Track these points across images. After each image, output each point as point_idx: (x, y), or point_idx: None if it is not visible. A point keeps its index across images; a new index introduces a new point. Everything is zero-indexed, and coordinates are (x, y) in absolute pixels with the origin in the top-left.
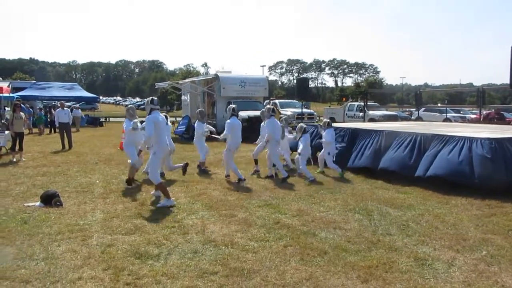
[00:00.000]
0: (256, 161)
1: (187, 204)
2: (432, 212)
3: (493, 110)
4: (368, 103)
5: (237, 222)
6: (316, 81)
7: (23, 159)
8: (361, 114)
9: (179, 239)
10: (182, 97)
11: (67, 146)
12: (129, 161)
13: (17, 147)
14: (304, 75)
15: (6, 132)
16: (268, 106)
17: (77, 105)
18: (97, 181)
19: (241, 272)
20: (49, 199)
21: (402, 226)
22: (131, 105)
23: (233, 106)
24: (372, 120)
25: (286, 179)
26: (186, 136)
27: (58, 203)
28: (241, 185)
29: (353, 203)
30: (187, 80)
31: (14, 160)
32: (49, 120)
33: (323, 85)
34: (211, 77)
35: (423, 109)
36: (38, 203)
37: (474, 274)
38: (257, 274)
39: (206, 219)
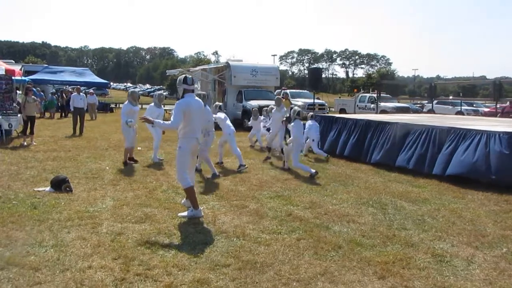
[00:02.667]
0: (269, 149)
1: (197, 193)
2: (448, 206)
3: (508, 104)
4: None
5: (249, 213)
6: (327, 72)
7: (34, 143)
8: (372, 105)
9: (189, 229)
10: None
11: (78, 132)
12: (126, 145)
13: (28, 131)
14: (315, 65)
15: (18, 115)
16: (295, 107)
17: (91, 90)
18: (107, 168)
19: (254, 266)
20: (59, 185)
21: (418, 220)
22: (134, 89)
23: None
24: (383, 112)
25: (315, 175)
26: None
27: (68, 188)
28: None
29: (366, 196)
30: (198, 67)
31: (25, 143)
32: (59, 104)
33: (333, 76)
34: (222, 65)
35: (435, 101)
36: (48, 188)
37: (495, 272)
38: (270, 268)
39: (217, 210)
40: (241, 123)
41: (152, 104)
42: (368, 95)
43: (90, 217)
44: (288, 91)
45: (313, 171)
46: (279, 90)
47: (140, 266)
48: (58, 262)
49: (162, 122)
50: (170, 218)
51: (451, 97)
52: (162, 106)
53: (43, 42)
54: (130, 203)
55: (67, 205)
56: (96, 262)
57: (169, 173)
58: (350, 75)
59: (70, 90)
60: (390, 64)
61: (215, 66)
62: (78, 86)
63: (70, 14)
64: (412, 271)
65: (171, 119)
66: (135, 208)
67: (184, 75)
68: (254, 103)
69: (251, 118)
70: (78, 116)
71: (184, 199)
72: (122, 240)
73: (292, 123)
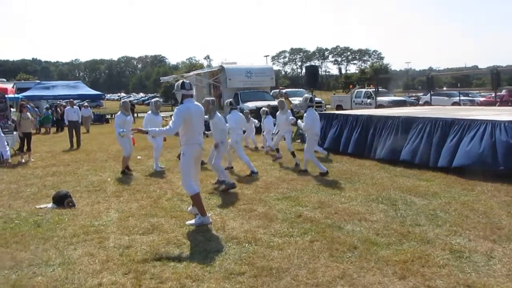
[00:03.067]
0: (277, 150)
1: (203, 199)
2: (458, 199)
3: (506, 92)
4: (374, 89)
5: (258, 217)
6: (320, 69)
7: (32, 160)
8: (369, 100)
9: (199, 237)
10: None
11: (75, 145)
12: (124, 154)
13: (25, 148)
14: (309, 63)
15: (14, 133)
16: (306, 95)
17: (85, 103)
18: (109, 179)
19: (270, 272)
20: (61, 200)
21: (430, 215)
22: (126, 99)
23: (230, 100)
24: (380, 106)
25: (326, 174)
26: None
27: (70, 203)
28: (253, 176)
29: (374, 193)
30: (192, 73)
31: (23, 161)
32: (54, 119)
33: (327, 73)
34: (216, 69)
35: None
36: (50, 205)
37: None
38: (287, 273)
39: (225, 215)
40: None
41: (149, 112)
42: (364, 90)
43: (96, 231)
44: (285, 90)
45: (325, 169)
46: (277, 90)
47: (152, 279)
48: (67, 281)
49: (158, 129)
50: (178, 227)
51: (444, 88)
52: (159, 113)
53: (33, 58)
54: (136, 214)
55: (71, 220)
56: (106, 278)
57: (172, 181)
58: (343, 71)
59: (64, 104)
60: (382, 58)
61: (209, 70)
62: (71, 100)
63: (58, 28)
64: (432, 269)
65: (170, 124)
66: (141, 219)
67: (181, 81)
68: (251, 104)
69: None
70: (74, 129)
71: (191, 206)
72: (131, 253)
73: (305, 112)
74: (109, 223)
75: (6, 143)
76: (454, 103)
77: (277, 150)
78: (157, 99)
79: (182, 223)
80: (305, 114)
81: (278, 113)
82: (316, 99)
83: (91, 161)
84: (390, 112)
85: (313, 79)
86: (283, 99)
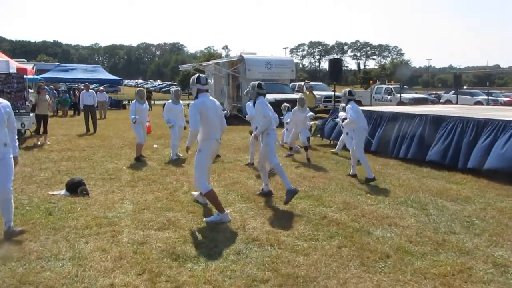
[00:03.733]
0: (291, 148)
1: (221, 194)
2: (494, 205)
3: None
4: (395, 85)
5: (280, 217)
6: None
7: (48, 142)
8: (389, 97)
9: (218, 236)
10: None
11: (91, 129)
12: (138, 141)
13: (41, 130)
14: (328, 57)
15: (31, 114)
16: (344, 89)
17: (101, 88)
18: (124, 167)
19: (296, 281)
20: (75, 188)
21: (466, 223)
22: (141, 88)
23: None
24: (401, 103)
25: (372, 180)
26: None
27: (84, 192)
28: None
29: (403, 195)
30: (211, 62)
31: (39, 143)
32: (72, 102)
33: (345, 68)
34: (236, 58)
35: (452, 91)
36: (63, 192)
37: None
38: (315, 283)
39: (245, 213)
40: None
41: (170, 101)
42: (384, 86)
43: (109, 223)
44: (311, 83)
45: (372, 175)
46: (302, 83)
47: (168, 282)
48: (77, 279)
49: (188, 140)
50: (195, 223)
51: (465, 87)
52: (180, 102)
53: (54, 41)
54: (151, 207)
55: (83, 210)
56: (119, 278)
57: (189, 173)
58: (362, 66)
59: (81, 87)
60: (402, 54)
61: (228, 60)
62: (87, 83)
63: (80, 12)
64: (477, 285)
65: (190, 124)
66: (156, 213)
67: (197, 75)
68: (269, 96)
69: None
70: (90, 114)
71: (195, 193)
72: (146, 251)
73: (348, 105)
74: (123, 215)
75: (16, 138)
76: (477, 102)
77: (291, 148)
78: (177, 88)
79: (200, 219)
80: (347, 107)
81: (295, 109)
82: (336, 94)
83: (107, 148)
84: (416, 110)
85: (336, 73)
86: (303, 96)
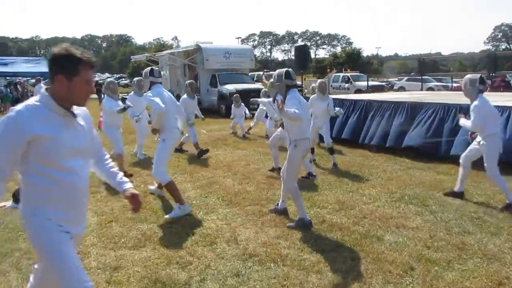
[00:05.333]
0: (312, 150)
1: (199, 198)
2: (495, 198)
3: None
4: (352, 73)
5: (272, 223)
6: (289, 53)
7: None
8: (346, 85)
9: (208, 253)
10: (161, 72)
11: None
12: (112, 151)
13: None
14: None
15: None
16: (469, 75)
17: (41, 81)
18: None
19: None
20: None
21: (476, 220)
22: (112, 79)
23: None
24: (359, 91)
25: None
26: None
27: None
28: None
29: (396, 190)
30: (165, 52)
31: None
32: (14, 98)
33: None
34: (192, 48)
35: (405, 78)
36: (10, 203)
37: None
38: None
39: (232, 220)
40: (217, 109)
41: (132, 93)
42: (341, 74)
43: None
44: (271, 73)
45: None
46: (261, 72)
47: None
48: None
49: (156, 121)
50: (177, 237)
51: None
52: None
53: None
54: (120, 218)
55: None
56: None
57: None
58: (312, 55)
59: (21, 81)
60: (351, 43)
61: (184, 49)
62: (38, 77)
63: (18, 2)
64: None
65: (154, 107)
66: (127, 225)
67: (150, 68)
68: (230, 87)
69: (233, 105)
70: None
71: (152, 186)
72: (122, 279)
73: (475, 101)
74: (87, 231)
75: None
76: (429, 89)
77: (312, 150)
78: (140, 78)
79: (182, 231)
80: (475, 104)
81: (314, 97)
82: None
83: None
84: (390, 97)
85: (304, 60)
86: (323, 81)
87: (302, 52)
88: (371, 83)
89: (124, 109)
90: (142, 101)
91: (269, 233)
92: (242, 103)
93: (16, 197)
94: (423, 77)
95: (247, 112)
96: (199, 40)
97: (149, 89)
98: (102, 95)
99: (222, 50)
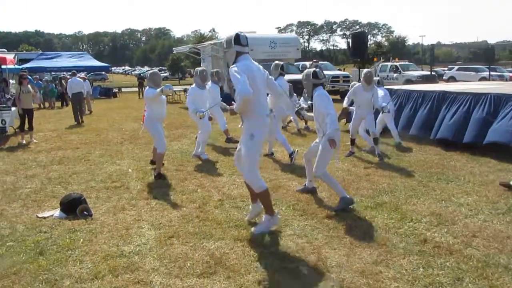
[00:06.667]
0: (353, 141)
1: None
2: None
3: None
4: (400, 63)
5: (363, 242)
6: (327, 43)
7: (34, 140)
8: (395, 75)
9: (294, 284)
10: (202, 63)
11: (80, 120)
12: (159, 150)
13: (26, 126)
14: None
15: (13, 108)
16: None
17: (82, 75)
18: (130, 170)
19: None
20: (73, 207)
21: None
22: (155, 70)
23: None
24: (409, 81)
25: None
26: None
27: (85, 212)
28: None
29: (498, 199)
30: (207, 43)
31: (24, 142)
32: (59, 93)
33: (334, 47)
34: None
35: (456, 68)
36: (57, 213)
37: None
38: None
39: (312, 236)
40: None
41: (194, 85)
42: (389, 64)
43: (128, 267)
44: (320, 63)
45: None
46: (311, 62)
47: None
48: None
49: (238, 104)
50: (250, 259)
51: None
52: (205, 86)
53: (36, 30)
54: (180, 233)
55: (88, 243)
56: None
57: (212, 174)
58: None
59: (68, 76)
60: (392, 32)
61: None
62: (74, 71)
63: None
64: None
65: (236, 87)
66: (191, 243)
67: (236, 33)
68: None
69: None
70: (78, 103)
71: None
72: None
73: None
74: (145, 250)
75: None
76: (482, 78)
77: (352, 141)
78: (202, 68)
79: (256, 251)
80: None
81: (358, 86)
82: (343, 73)
83: (104, 144)
84: (466, 88)
85: (360, 49)
86: (372, 72)
87: (359, 40)
88: (422, 72)
89: (162, 91)
90: (205, 95)
91: (363, 257)
92: (294, 94)
93: (63, 206)
94: (477, 66)
95: (302, 103)
96: (242, 30)
97: (235, 61)
98: (143, 88)
99: (268, 40)
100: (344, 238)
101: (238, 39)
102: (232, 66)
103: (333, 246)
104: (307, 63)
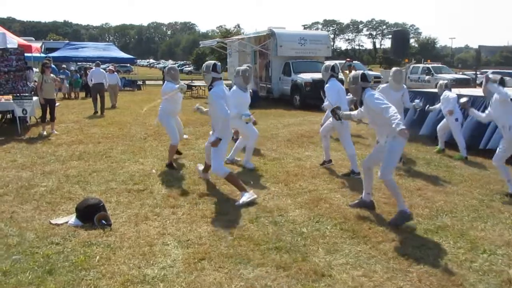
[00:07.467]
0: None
1: (309, 224)
2: None
3: None
4: (433, 65)
5: (432, 277)
6: (353, 43)
7: (55, 132)
8: (427, 77)
9: None
10: (228, 59)
11: (99, 111)
12: (172, 142)
13: (47, 117)
14: (341, 37)
15: (34, 98)
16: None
17: (110, 67)
18: (154, 171)
19: None
20: (90, 214)
21: None
22: (172, 65)
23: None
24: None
25: None
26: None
27: (104, 221)
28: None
29: None
30: (235, 38)
31: (44, 133)
32: (84, 83)
33: (360, 47)
34: (264, 33)
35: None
36: (72, 220)
37: None
38: None
39: (370, 269)
40: (290, 100)
41: (234, 87)
42: (421, 65)
43: None
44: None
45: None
46: (344, 61)
47: None
48: None
49: (219, 127)
50: None
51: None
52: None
53: (64, 21)
54: (212, 254)
55: (105, 262)
56: None
57: (243, 176)
58: (377, 45)
59: (92, 67)
60: (420, 33)
61: (255, 35)
62: (98, 61)
63: None
64: None
65: (220, 111)
66: (226, 268)
67: (213, 62)
68: (306, 76)
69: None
70: (98, 93)
71: (199, 166)
72: None
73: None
74: (172, 275)
75: None
76: None
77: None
78: (245, 67)
79: (304, 284)
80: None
81: (385, 86)
82: (373, 73)
83: (127, 139)
84: None
85: (402, 47)
86: (399, 69)
87: (401, 38)
88: (456, 76)
89: (181, 89)
90: (248, 97)
91: None
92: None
93: (80, 212)
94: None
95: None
96: (260, 28)
97: (211, 85)
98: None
99: (297, 36)
100: (409, 272)
101: (215, 67)
102: (212, 90)
103: (398, 283)
104: (333, 62)
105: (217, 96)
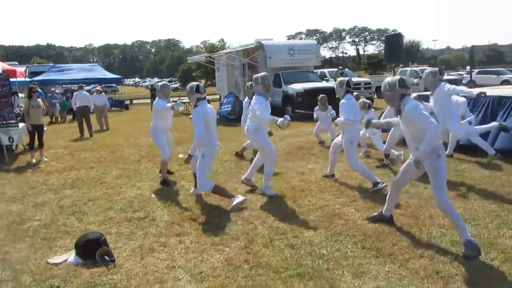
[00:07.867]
0: (387, 156)
1: (328, 244)
2: None
3: None
4: (421, 67)
5: None
6: (336, 51)
7: (45, 159)
8: (415, 80)
9: None
10: (216, 73)
11: (86, 134)
12: (162, 158)
13: (36, 144)
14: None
15: (21, 125)
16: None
17: (98, 88)
18: (153, 195)
19: None
20: (91, 250)
21: None
22: (165, 82)
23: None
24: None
25: None
26: (232, 117)
27: (106, 257)
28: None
29: None
30: (222, 52)
31: (33, 161)
32: (71, 106)
33: (344, 55)
34: (252, 46)
35: (476, 71)
36: (72, 258)
37: None
38: None
39: None
40: (282, 111)
41: (256, 96)
42: (408, 69)
43: None
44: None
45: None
46: (336, 69)
47: None
48: None
49: (192, 145)
50: None
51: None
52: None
53: (47, 44)
54: (229, 286)
55: None
56: None
57: (249, 201)
58: (361, 52)
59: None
60: (403, 37)
61: (243, 48)
62: (81, 84)
63: (72, 13)
64: None
65: (195, 131)
66: None
67: (196, 83)
68: (297, 86)
69: (317, 108)
70: (83, 117)
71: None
72: None
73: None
74: None
75: None
76: (504, 82)
77: (386, 156)
78: (264, 73)
79: None
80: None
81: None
82: (364, 79)
83: (120, 162)
84: None
85: (395, 52)
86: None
87: (394, 42)
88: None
89: (173, 108)
90: (269, 107)
91: None
92: (329, 106)
93: (80, 248)
94: (498, 69)
95: (335, 115)
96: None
97: (196, 105)
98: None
99: (286, 47)
100: None
101: (198, 88)
102: (195, 109)
103: None
104: (326, 70)
105: (197, 116)
